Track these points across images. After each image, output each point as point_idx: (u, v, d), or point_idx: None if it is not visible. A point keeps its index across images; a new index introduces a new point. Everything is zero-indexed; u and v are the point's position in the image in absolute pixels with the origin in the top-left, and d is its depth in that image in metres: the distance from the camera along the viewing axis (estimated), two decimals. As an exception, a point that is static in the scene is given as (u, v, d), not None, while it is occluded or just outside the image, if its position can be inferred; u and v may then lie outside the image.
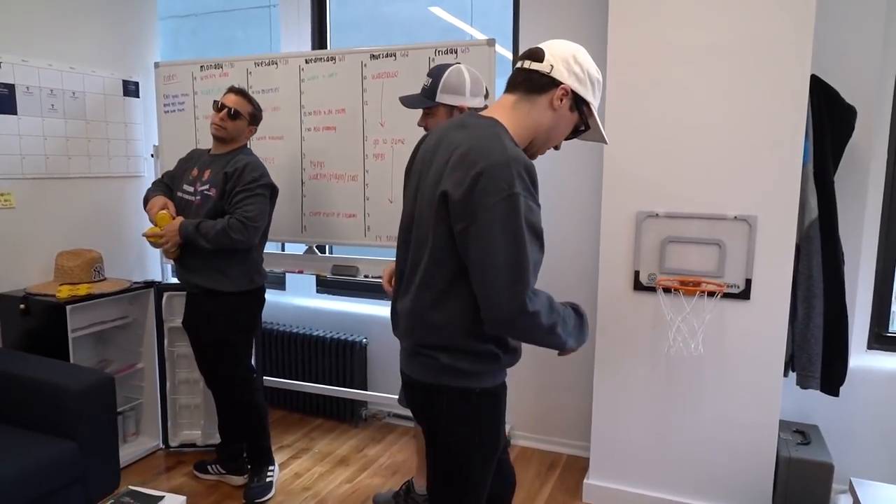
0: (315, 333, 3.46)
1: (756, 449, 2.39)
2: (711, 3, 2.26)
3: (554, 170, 2.90)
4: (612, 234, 2.51)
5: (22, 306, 2.68)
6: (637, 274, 2.48)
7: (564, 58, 1.37)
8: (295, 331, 3.51)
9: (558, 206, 2.96)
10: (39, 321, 2.69)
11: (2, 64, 2.70)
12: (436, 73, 2.00)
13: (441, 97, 1.97)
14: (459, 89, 1.97)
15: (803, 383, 2.36)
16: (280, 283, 3.73)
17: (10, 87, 2.75)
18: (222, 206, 2.49)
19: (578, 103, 1.41)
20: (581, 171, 2.90)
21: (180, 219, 2.50)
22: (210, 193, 2.50)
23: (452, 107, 1.98)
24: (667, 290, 2.38)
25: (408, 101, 2.06)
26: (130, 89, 3.31)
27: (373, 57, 2.82)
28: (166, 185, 2.69)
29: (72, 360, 2.66)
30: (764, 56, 2.21)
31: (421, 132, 2.11)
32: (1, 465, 2.10)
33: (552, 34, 2.82)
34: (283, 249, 3.47)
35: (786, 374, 2.38)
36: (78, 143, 3.06)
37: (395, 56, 2.78)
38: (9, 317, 2.76)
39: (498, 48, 2.59)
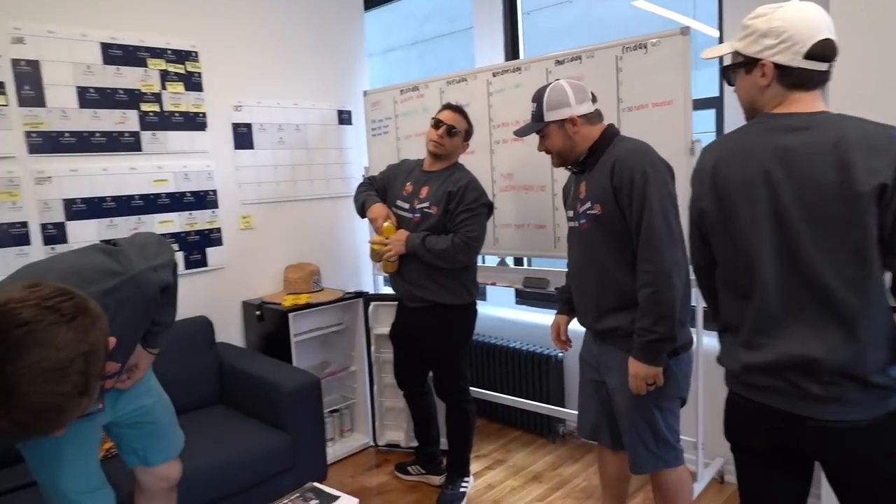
0: (512, 345, 3.45)
1: None
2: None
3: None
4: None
5: (258, 313, 3.13)
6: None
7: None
8: (493, 342, 3.54)
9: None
10: (271, 326, 3.11)
11: (242, 107, 3.20)
12: (538, 97, 2.03)
13: (548, 115, 1.99)
14: (564, 102, 1.98)
15: None
16: (482, 294, 3.80)
17: (248, 126, 3.24)
18: (443, 223, 2.56)
19: None
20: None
21: (404, 231, 2.61)
22: (431, 211, 2.58)
23: (563, 121, 1.98)
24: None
25: (520, 132, 2.15)
26: (344, 118, 3.68)
27: (557, 63, 2.73)
28: (377, 191, 2.79)
29: (294, 361, 3.00)
30: None
31: None
32: (232, 448, 2.46)
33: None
34: (483, 262, 3.53)
35: None
36: (301, 169, 3.48)
37: (580, 59, 2.65)
38: (249, 321, 3.24)
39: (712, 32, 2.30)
